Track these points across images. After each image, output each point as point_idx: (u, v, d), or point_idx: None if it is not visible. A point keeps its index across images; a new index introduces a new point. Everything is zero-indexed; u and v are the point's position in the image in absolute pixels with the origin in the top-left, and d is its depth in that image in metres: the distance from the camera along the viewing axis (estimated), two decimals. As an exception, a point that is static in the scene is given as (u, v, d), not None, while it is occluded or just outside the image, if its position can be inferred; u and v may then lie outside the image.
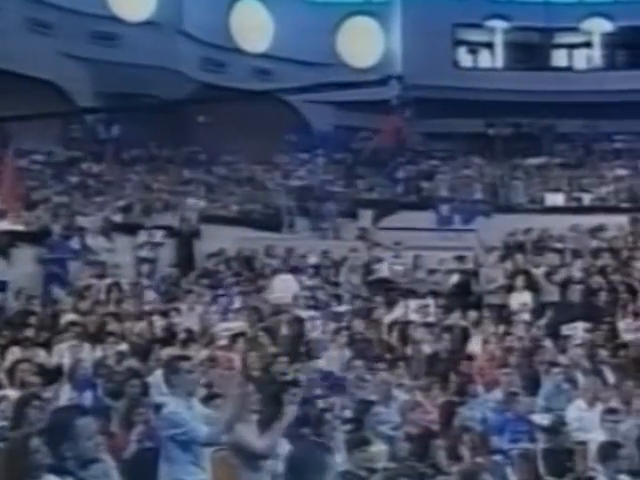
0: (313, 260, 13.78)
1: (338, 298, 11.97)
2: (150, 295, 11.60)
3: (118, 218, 15.60)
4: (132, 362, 8.60)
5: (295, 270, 12.84)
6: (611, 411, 7.76)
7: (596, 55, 25.55)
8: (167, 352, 8.38)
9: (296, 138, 21.73)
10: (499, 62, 25.71)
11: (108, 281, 11.87)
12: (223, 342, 9.43)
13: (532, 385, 8.79)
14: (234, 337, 9.43)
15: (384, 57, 24.80)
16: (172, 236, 14.53)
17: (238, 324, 10.12)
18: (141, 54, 21.00)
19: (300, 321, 10.53)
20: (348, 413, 7.66)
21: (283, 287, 11.76)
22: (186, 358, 6.10)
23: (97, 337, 9.49)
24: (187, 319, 10.46)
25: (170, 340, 9.33)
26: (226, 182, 18.94)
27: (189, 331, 9.79)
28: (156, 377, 7.57)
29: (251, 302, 11.35)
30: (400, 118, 19.74)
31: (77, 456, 3.90)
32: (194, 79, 22.21)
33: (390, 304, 11.58)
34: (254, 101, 18.71)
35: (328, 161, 20.73)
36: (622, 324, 11.11)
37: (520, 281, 12.39)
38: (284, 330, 10.18)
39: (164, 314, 10.57)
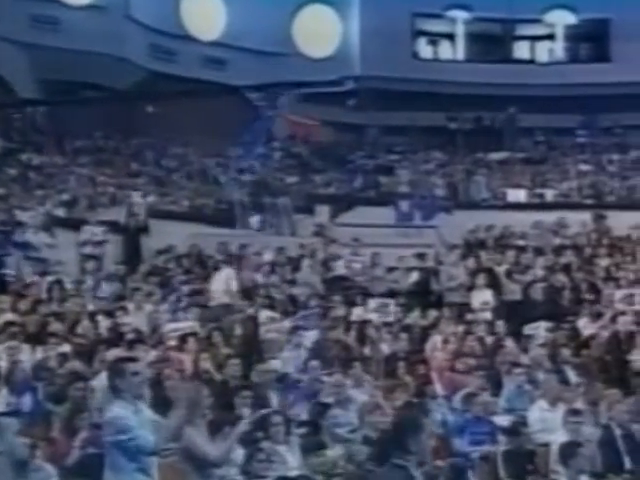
0: (268, 257, 13.73)
1: (289, 296, 11.95)
2: (95, 293, 11.42)
3: (61, 213, 15.34)
4: (75, 364, 8.47)
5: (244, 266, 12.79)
6: (574, 412, 7.89)
7: (559, 48, 25.96)
8: (113, 353, 8.26)
9: (251, 130, 21.63)
10: (460, 54, 25.94)
11: (50, 279, 11.67)
12: (173, 343, 9.33)
13: (493, 386, 8.88)
14: (185, 337, 9.34)
15: (341, 47, 24.84)
16: (118, 232, 14.34)
17: (189, 324, 10.03)
18: (85, 40, 20.63)
19: (254, 321, 10.48)
20: (304, 416, 7.64)
21: (222, 282, 11.69)
22: (133, 360, 6.02)
23: (37, 338, 9.31)
24: (134, 319, 10.34)
25: (116, 341, 9.19)
26: (176, 176, 18.77)
27: (137, 331, 9.68)
28: (101, 380, 7.45)
29: (202, 301, 11.26)
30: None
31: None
32: (142, 67, 21.94)
33: (348, 303, 11.59)
34: (206, 91, 18.59)
35: (284, 155, 20.68)
36: (584, 323, 11.30)
37: (481, 279, 12.52)
38: (237, 330, 10.10)
39: (110, 314, 10.42)
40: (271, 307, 11.37)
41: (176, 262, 13.49)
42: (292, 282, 12.79)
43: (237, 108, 21.49)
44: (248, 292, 12.03)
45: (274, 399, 7.96)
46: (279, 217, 16.55)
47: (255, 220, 16.73)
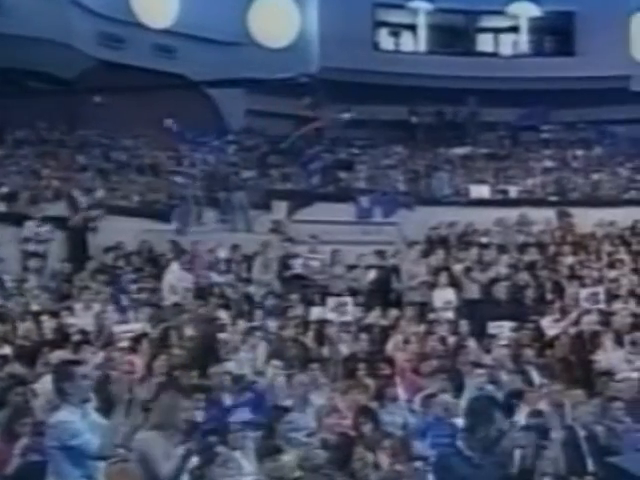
0: (222, 255, 13.67)
1: (245, 295, 11.93)
2: (38, 293, 11.25)
3: (1, 207, 15.08)
4: (15, 367, 8.33)
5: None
6: (536, 413, 8.00)
7: (523, 40, 26.23)
8: (58, 356, 8.15)
9: (204, 122, 21.49)
10: (422, 46, 26.06)
11: (-10, 277, 11.47)
12: (123, 344, 9.25)
13: (455, 387, 8.96)
14: (135, 339, 9.26)
15: (299, 38, 24.77)
16: (63, 228, 14.15)
17: (139, 324, 9.95)
18: (27, 25, 20.23)
19: (208, 321, 10.43)
20: (259, 419, 7.62)
21: (170, 279, 11.65)
22: (80, 362, 5.97)
23: (-24, 340, 9.14)
24: (81, 319, 10.22)
25: (61, 342, 9.07)
26: (126, 169, 18.54)
27: (83, 332, 9.56)
28: (44, 383, 7.34)
29: (154, 300, 11.17)
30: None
31: None
32: (89, 55, 21.63)
33: (306, 302, 11.60)
34: (157, 81, 18.42)
35: (239, 148, 20.60)
36: (548, 323, 11.47)
37: (443, 277, 12.65)
38: (189, 331, 10.04)
39: (54, 314, 10.28)
40: (226, 307, 11.35)
41: (126, 260, 13.36)
42: (248, 281, 12.76)
43: (191, 100, 21.35)
44: (202, 291, 11.97)
45: (228, 402, 7.91)
46: (234, 213, 16.48)
47: (209, 216, 16.63)
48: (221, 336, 9.93)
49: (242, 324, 10.51)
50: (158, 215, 16.49)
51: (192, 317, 10.53)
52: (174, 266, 12.37)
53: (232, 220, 16.50)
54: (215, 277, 12.76)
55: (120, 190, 17.33)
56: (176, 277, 11.83)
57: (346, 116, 19.19)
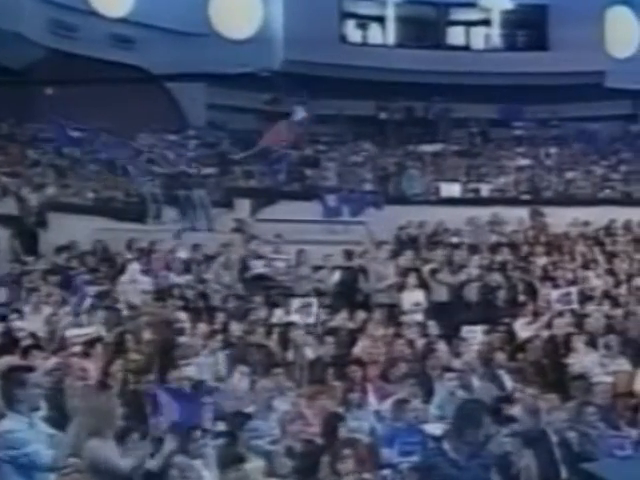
0: (182, 254, 13.60)
1: (206, 296, 11.87)
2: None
3: (-54, 204, 14.84)
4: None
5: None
6: (508, 419, 8.05)
7: (495, 34, 26.44)
8: (5, 361, 8.04)
9: (163, 116, 21.36)
10: (390, 38, 26.14)
11: None
12: (76, 349, 9.15)
13: (424, 392, 8.99)
14: (89, 343, 9.17)
15: (263, 29, 24.71)
16: (12, 227, 13.98)
17: (93, 328, 9.85)
18: (-26, 13, 20.00)
19: (167, 324, 10.36)
20: (221, 426, 7.59)
21: (128, 281, 11.57)
22: (30, 368, 5.90)
23: None
24: (31, 322, 10.09)
25: (9, 347, 8.94)
26: (80, 165, 18.35)
27: (33, 336, 9.44)
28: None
29: (109, 303, 11.08)
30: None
31: None
32: (40, 44, 21.37)
33: (270, 304, 11.58)
34: (114, 73, 18.26)
35: (200, 144, 20.50)
36: (520, 325, 11.56)
37: (412, 279, 12.70)
38: (147, 334, 9.97)
39: (2, 317, 10.15)
40: (186, 309, 11.28)
41: (79, 260, 13.23)
42: (209, 282, 12.70)
43: (148, 92, 21.21)
44: (160, 293, 11.89)
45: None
46: (195, 211, 16.40)
47: (168, 215, 16.53)
48: (180, 340, 9.86)
49: (203, 327, 10.44)
50: (114, 213, 16.36)
51: (150, 320, 10.44)
52: (131, 267, 12.28)
53: (193, 219, 16.41)
54: (174, 278, 12.67)
55: (73, 187, 17.15)
56: (133, 278, 11.73)
57: (299, 115, 18.78)
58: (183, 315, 10.90)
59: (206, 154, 19.69)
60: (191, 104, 23.18)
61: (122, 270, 12.47)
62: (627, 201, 19.08)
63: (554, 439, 7.82)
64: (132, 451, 5.52)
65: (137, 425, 6.59)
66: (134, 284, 11.65)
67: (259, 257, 13.59)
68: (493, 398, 8.60)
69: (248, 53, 22.21)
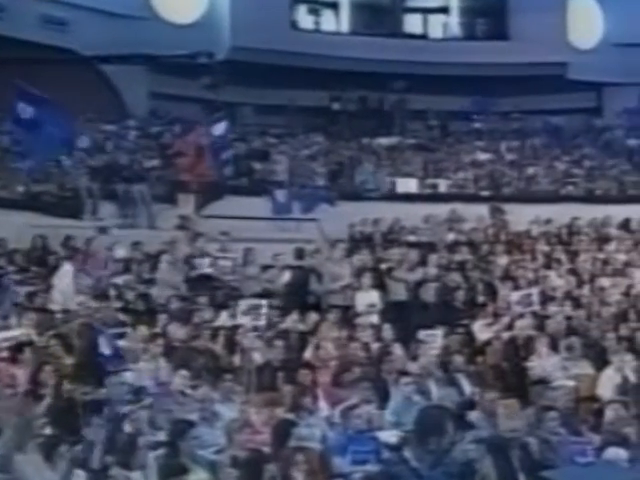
0: (121, 253, 13.47)
1: (146, 298, 11.78)
2: None
3: None
4: None
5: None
6: (470, 425, 8.13)
7: (453, 22, 26.70)
8: None
9: (101, 105, 21.12)
10: (344, 25, 26.25)
11: None
12: (3, 354, 9.01)
13: (379, 397, 9.04)
14: (17, 347, 9.04)
15: (209, 13, 24.60)
16: None
17: (21, 331, 9.71)
18: None
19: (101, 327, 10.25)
20: (162, 435, 7.54)
21: (61, 281, 11.44)
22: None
23: None
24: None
25: None
26: (8, 156, 18.04)
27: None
28: None
29: (41, 304, 10.94)
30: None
31: None
32: (-37, 25, 21.00)
33: (215, 305, 11.54)
34: (45, 57, 17.97)
35: (141, 134, 20.33)
36: (479, 327, 11.69)
37: (367, 279, 12.76)
38: (83, 338, 9.85)
39: None
40: (125, 311, 11.18)
41: (8, 259, 13.04)
42: (150, 282, 12.61)
43: (86, 79, 20.97)
44: (97, 294, 11.76)
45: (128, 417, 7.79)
46: (135, 207, 16.26)
47: (106, 210, 16.37)
48: (119, 344, 9.77)
49: (143, 330, 10.36)
50: (46, 208, 16.15)
51: (85, 323, 10.32)
52: (65, 266, 12.12)
53: (133, 215, 16.26)
54: (113, 278, 12.55)
55: (1, 180, 16.89)
56: (67, 278, 11.58)
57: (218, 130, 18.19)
58: (122, 317, 10.80)
59: (147, 145, 19.52)
60: (131, 92, 22.98)
61: (55, 269, 12.30)
62: (590, 198, 19.40)
63: (513, 446, 7.90)
64: (59, 465, 5.42)
65: (67, 436, 6.54)
66: (68, 284, 11.49)
67: (204, 256, 13.51)
68: (454, 403, 8.67)
69: (192, 38, 22.09)
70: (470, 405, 8.70)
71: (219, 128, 16.77)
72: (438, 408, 5.63)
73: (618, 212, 17.35)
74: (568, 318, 12.01)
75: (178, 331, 10.54)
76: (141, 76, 22.83)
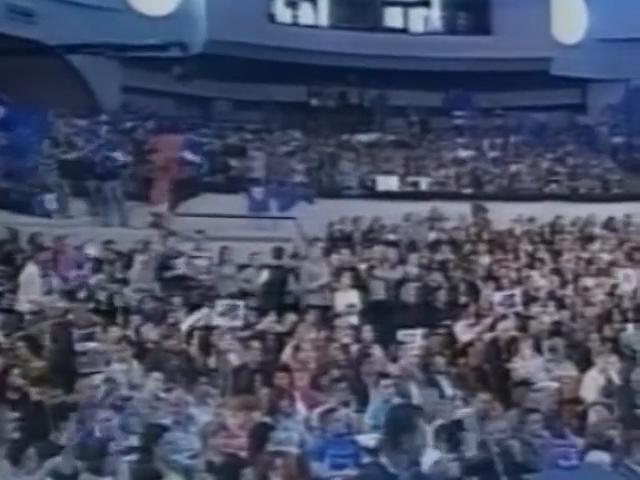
0: (92, 252, 13.40)
1: (119, 298, 11.72)
2: None
3: None
4: None
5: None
6: (445, 428, 8.16)
7: (434, 16, 26.76)
8: None
9: (72, 99, 20.98)
10: (323, 19, 26.23)
11: None
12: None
13: (358, 400, 9.04)
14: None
15: (184, 5, 24.51)
16: None
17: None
18: None
19: (75, 328, 10.21)
20: (134, 440, 7.50)
21: (27, 281, 11.37)
22: None
23: None
24: None
25: None
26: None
27: None
28: None
29: (8, 304, 10.87)
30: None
31: None
32: None
33: (190, 306, 11.50)
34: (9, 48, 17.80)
35: (113, 129, 20.22)
36: (461, 328, 11.72)
37: (346, 278, 12.77)
38: (51, 339, 9.81)
39: None
40: (96, 312, 11.11)
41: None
42: (122, 282, 12.55)
43: (56, 72, 20.81)
44: (68, 294, 11.70)
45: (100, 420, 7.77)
46: (106, 204, 16.18)
47: (76, 208, 16.27)
48: (90, 345, 9.72)
49: (115, 331, 10.31)
50: (13, 206, 16.02)
51: (55, 324, 10.27)
52: (29, 267, 12.03)
53: (104, 213, 16.18)
54: (83, 278, 12.47)
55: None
56: (35, 277, 11.51)
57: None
58: (93, 318, 10.74)
59: (120, 141, 19.43)
60: (103, 86, 22.84)
61: (22, 268, 12.21)
62: (574, 196, 19.54)
63: (495, 449, 7.94)
64: (27, 470, 5.38)
65: (36, 441, 6.50)
66: (33, 284, 11.42)
67: (179, 255, 13.46)
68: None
69: (166, 31, 21.94)
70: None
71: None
72: (405, 406, 5.68)
73: (602, 211, 17.47)
74: (552, 319, 12.08)
75: (151, 332, 10.50)
76: (113, 69, 22.66)
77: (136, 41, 20.58)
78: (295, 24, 25.80)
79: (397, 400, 9.01)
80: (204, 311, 11.17)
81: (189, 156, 16.95)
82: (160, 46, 17.75)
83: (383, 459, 4.60)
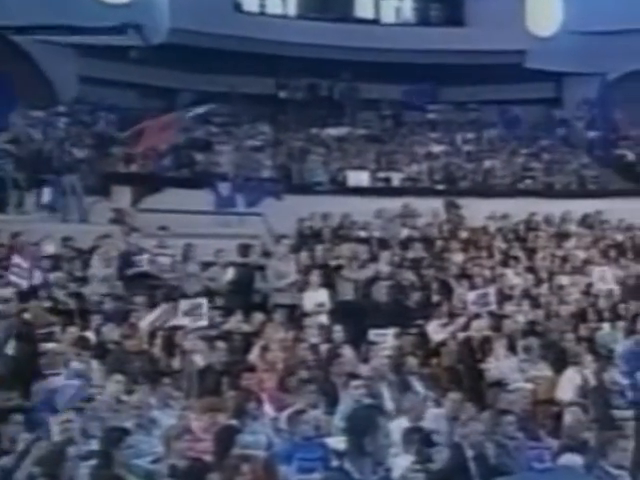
0: (50, 249, 13.30)
1: (79, 297, 11.65)
2: None
3: None
4: None
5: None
6: (415, 430, 8.19)
7: (406, 7, 26.86)
8: None
9: (28, 90, 20.78)
10: (291, 9, 26.22)
11: None
12: None
13: (328, 402, 9.05)
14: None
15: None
16: None
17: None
18: None
19: (31, 328, 10.14)
20: (94, 444, 7.45)
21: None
22: None
23: None
24: None
25: None
26: None
27: None
28: None
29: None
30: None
31: None
32: None
33: (153, 305, 11.46)
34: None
35: (72, 122, 20.09)
36: (434, 328, 11.77)
37: (315, 277, 12.77)
38: (8, 341, 9.73)
39: None
40: (55, 311, 11.03)
41: None
42: (82, 280, 12.47)
43: (9, 61, 20.59)
44: (24, 293, 11.59)
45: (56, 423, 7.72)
46: (65, 199, 16.07)
47: (33, 203, 16.14)
48: (48, 346, 9.65)
49: (75, 332, 10.24)
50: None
51: (10, 324, 10.18)
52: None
53: (63, 208, 16.07)
54: (41, 276, 12.36)
55: None
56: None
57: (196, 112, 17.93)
58: (51, 318, 10.66)
59: (79, 134, 19.30)
60: (61, 77, 22.64)
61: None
62: (549, 193, 19.69)
63: (469, 452, 7.98)
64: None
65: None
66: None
67: (141, 252, 13.40)
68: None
69: (126, 19, 21.86)
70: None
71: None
72: (366, 407, 5.78)
73: (577, 207, 17.62)
74: (526, 318, 12.17)
75: (113, 333, 10.45)
76: (71, 59, 22.50)
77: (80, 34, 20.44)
78: (262, 13, 25.77)
79: (368, 402, 9.05)
80: (164, 307, 11.14)
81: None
82: (116, 28, 17.65)
83: (347, 464, 4.62)
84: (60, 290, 12.06)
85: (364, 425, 4.65)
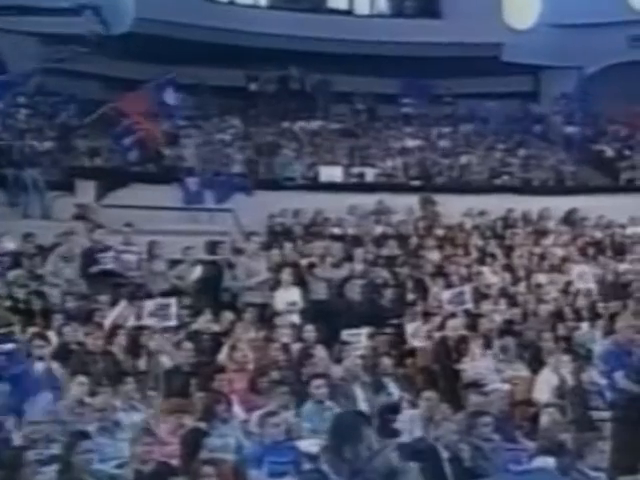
0: (10, 246, 13.19)
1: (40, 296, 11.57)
2: None
3: None
4: None
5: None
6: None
7: (381, -2, 26.90)
8: None
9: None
10: (263, -2, 26.22)
11: None
12: None
13: (300, 403, 9.04)
14: None
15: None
16: None
17: None
18: None
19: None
20: (54, 448, 7.38)
21: None
22: None
23: None
24: None
25: None
26: None
27: None
28: None
29: None
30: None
31: None
32: None
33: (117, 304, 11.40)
34: None
35: (33, 113, 19.93)
36: (409, 327, 11.78)
37: (287, 275, 12.76)
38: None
39: None
40: (14, 310, 10.93)
41: None
42: (43, 278, 12.38)
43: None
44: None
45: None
46: (26, 194, 15.95)
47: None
48: (6, 347, 9.55)
49: (35, 331, 10.15)
50: None
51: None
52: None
53: (23, 203, 15.94)
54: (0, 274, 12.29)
55: None
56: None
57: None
58: (11, 317, 10.57)
59: (40, 126, 19.16)
60: (22, 66, 22.44)
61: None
62: (526, 189, 19.80)
63: (444, 454, 7.99)
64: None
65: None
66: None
67: (105, 249, 13.30)
68: (378, 407, 8.74)
69: (89, 8, 21.70)
70: (394, 409, 8.76)
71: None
72: (353, 414, 5.66)
73: (556, 204, 17.73)
74: (503, 317, 12.21)
75: (76, 333, 10.37)
76: (32, 48, 22.29)
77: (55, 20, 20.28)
78: (232, 3, 25.70)
79: (329, 402, 9.04)
80: (123, 304, 11.08)
81: (170, 100, 16.73)
82: (72, 10, 17.45)
83: (324, 466, 4.61)
84: (20, 288, 11.96)
85: (347, 432, 4.63)
